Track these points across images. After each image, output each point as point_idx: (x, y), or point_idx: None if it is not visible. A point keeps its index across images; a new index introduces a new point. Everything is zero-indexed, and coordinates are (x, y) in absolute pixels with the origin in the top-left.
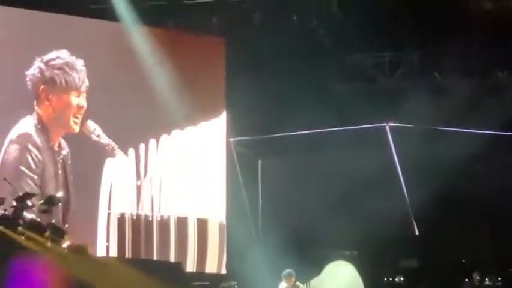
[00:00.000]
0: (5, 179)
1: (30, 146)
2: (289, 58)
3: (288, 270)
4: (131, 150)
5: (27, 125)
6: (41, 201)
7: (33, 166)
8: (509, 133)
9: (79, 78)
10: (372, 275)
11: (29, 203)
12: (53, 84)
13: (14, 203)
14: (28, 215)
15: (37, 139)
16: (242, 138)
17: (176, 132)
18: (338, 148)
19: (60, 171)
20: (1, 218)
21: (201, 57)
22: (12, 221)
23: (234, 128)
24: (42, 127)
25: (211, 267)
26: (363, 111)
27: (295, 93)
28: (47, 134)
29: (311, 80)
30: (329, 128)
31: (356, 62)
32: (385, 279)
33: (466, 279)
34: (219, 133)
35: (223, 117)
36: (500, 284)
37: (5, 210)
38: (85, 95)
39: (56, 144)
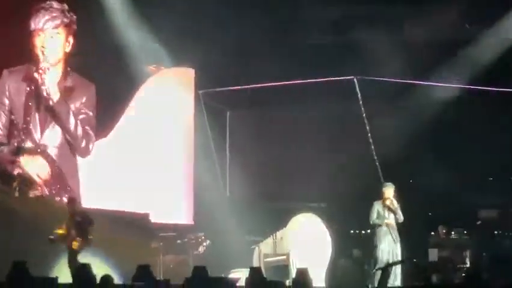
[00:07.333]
0: None
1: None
2: (259, 10)
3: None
4: None
5: None
6: (10, 151)
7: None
8: (478, 87)
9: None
10: (340, 227)
11: None
12: None
13: None
14: None
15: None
16: (211, 90)
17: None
18: (307, 101)
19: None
20: None
21: None
22: None
23: (203, 80)
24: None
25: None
26: (333, 63)
27: (264, 45)
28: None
29: (281, 32)
30: (298, 80)
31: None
32: (351, 231)
33: (432, 233)
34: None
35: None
36: (466, 237)
37: None
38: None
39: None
